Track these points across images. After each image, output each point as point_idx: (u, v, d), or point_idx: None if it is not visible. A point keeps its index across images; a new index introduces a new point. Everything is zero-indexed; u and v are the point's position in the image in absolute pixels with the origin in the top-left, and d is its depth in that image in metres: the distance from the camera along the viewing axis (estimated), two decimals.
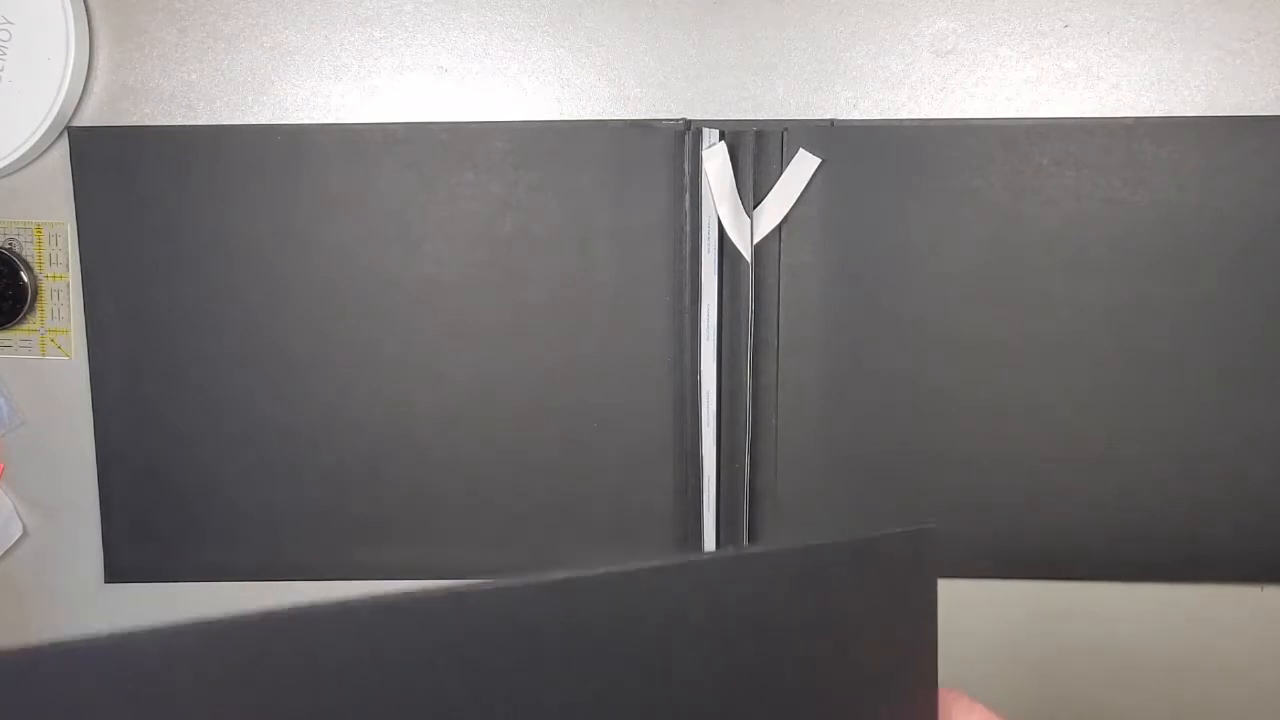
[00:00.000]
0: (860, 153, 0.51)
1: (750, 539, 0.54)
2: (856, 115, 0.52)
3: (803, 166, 0.51)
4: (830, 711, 0.32)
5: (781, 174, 0.52)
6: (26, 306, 0.55)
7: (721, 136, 0.51)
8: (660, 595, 0.28)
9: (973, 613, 0.55)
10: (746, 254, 0.52)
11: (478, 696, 0.25)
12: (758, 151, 0.52)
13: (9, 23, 0.53)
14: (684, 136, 0.52)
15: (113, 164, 0.54)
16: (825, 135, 0.51)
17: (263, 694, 0.23)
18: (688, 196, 0.52)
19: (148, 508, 0.56)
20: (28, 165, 0.55)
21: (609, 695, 0.27)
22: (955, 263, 0.52)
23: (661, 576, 0.28)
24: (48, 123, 0.53)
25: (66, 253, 0.55)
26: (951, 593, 0.54)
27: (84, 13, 0.53)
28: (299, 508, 0.55)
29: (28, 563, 0.58)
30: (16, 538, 0.57)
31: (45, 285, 0.56)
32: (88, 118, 0.55)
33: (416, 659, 0.24)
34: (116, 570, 0.57)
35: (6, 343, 0.56)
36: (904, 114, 0.52)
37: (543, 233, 0.53)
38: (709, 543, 0.55)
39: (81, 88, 0.54)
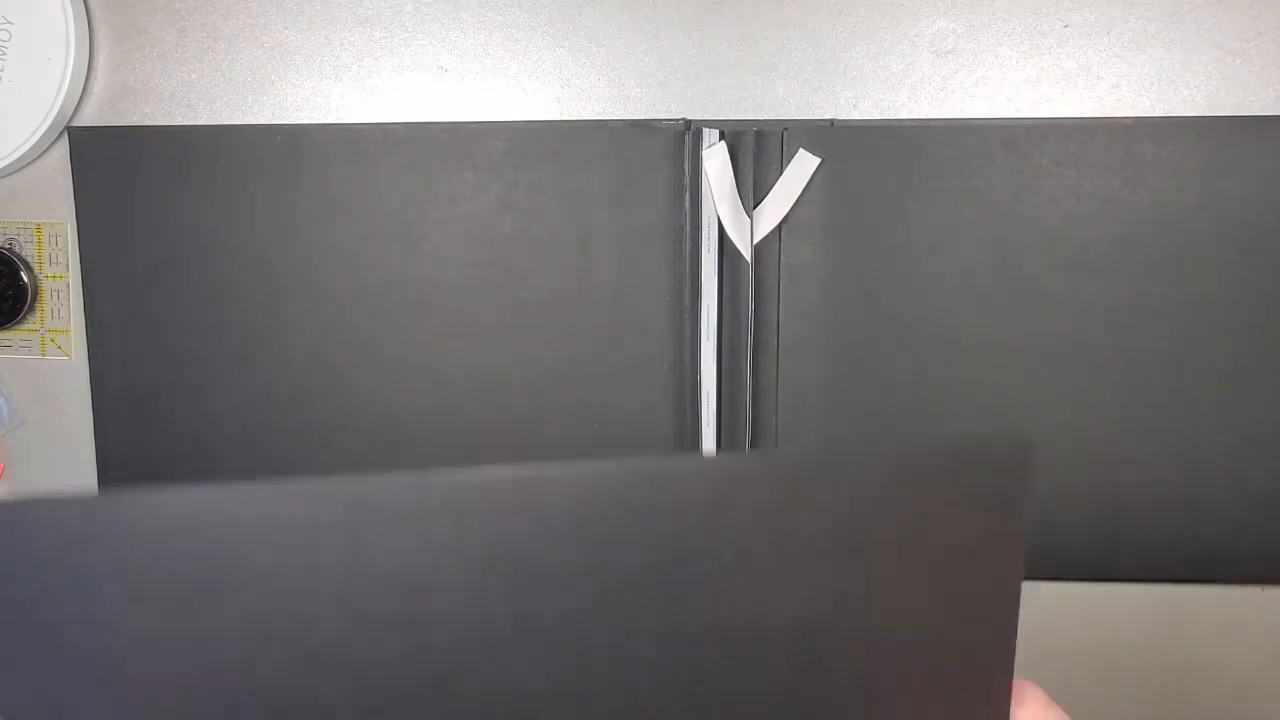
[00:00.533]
0: (860, 153, 0.51)
1: None
2: (856, 115, 0.52)
3: (803, 166, 0.51)
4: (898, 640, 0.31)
5: (781, 174, 0.52)
6: (26, 306, 0.55)
7: (721, 136, 0.51)
8: (719, 487, 0.28)
9: None
10: (746, 254, 0.52)
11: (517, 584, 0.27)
12: (758, 151, 0.52)
13: (9, 23, 0.53)
14: (684, 136, 0.52)
15: (113, 164, 0.54)
16: (825, 135, 0.51)
17: (308, 555, 0.26)
18: (688, 196, 0.52)
19: None
20: (28, 165, 0.55)
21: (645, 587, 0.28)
22: (955, 263, 0.52)
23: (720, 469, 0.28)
24: (48, 123, 0.53)
25: (66, 253, 0.55)
26: None
27: (84, 13, 0.53)
28: None
29: None
30: None
31: (45, 285, 0.56)
32: (88, 118, 0.55)
33: (452, 536, 0.26)
34: None
35: (6, 343, 0.56)
36: (904, 114, 0.52)
37: (543, 233, 0.53)
38: None
39: (81, 88, 0.54)
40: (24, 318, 0.56)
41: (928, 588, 0.32)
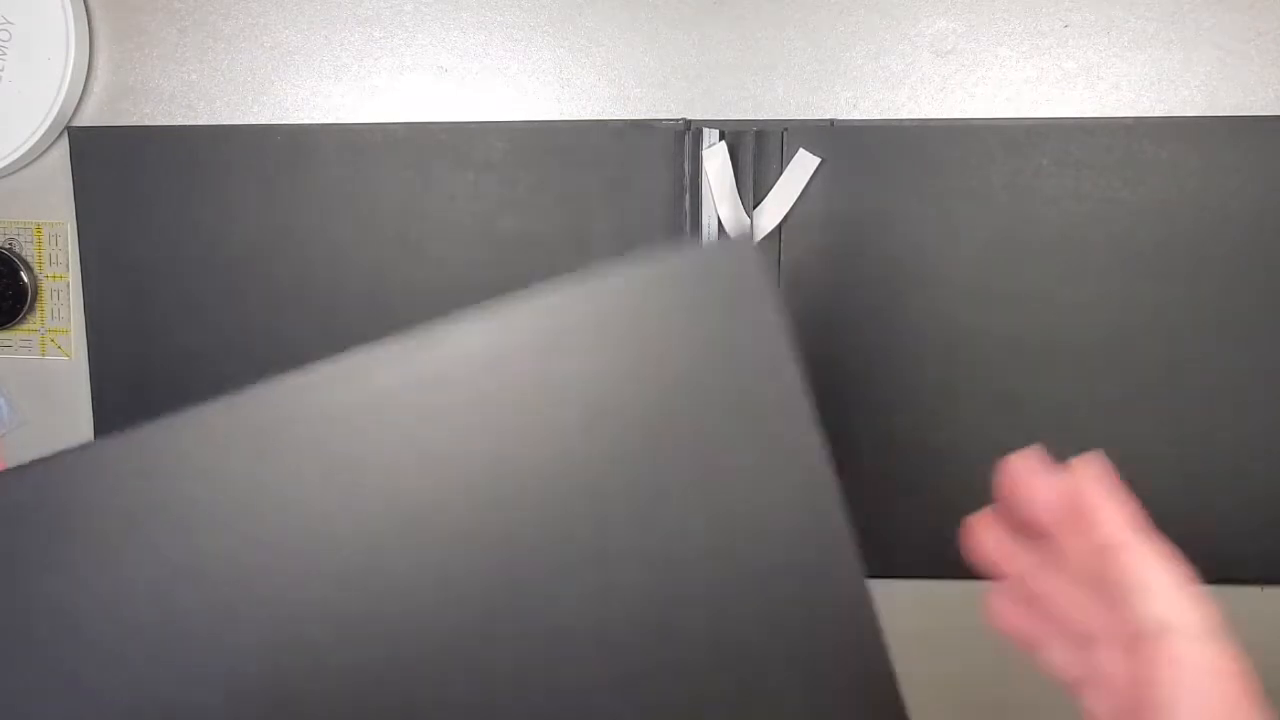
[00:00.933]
0: (860, 153, 0.51)
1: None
2: (856, 115, 0.52)
3: (803, 166, 0.51)
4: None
5: (781, 174, 0.52)
6: (26, 306, 0.55)
7: (721, 136, 0.51)
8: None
9: (972, 613, 0.55)
10: None
11: None
12: (758, 151, 0.52)
13: (9, 23, 0.53)
14: (684, 136, 0.52)
15: (113, 164, 0.54)
16: (825, 135, 0.51)
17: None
18: (688, 196, 0.52)
19: None
20: (28, 165, 0.55)
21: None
22: (955, 262, 0.52)
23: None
24: (48, 123, 0.53)
25: (66, 253, 0.55)
26: (951, 593, 0.54)
27: (84, 13, 0.53)
28: None
29: None
30: None
31: (45, 285, 0.56)
32: (88, 118, 0.55)
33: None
34: None
35: (6, 343, 0.56)
36: (904, 114, 0.52)
37: (543, 233, 0.53)
38: None
39: (81, 88, 0.54)
40: (24, 318, 0.56)
41: (704, 445, 0.32)
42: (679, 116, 0.52)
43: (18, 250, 0.55)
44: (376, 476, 0.32)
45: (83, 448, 0.31)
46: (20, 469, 0.30)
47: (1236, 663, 0.30)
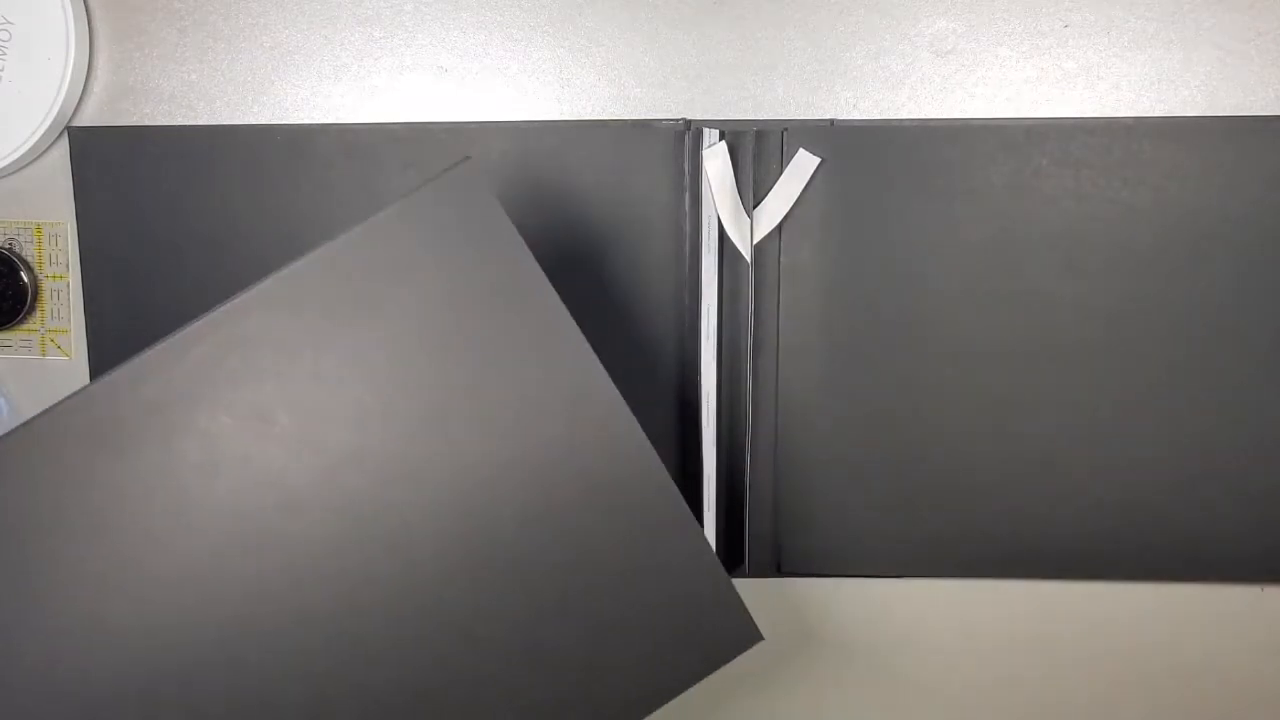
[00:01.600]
0: (860, 153, 0.51)
1: (750, 538, 0.54)
2: (856, 115, 0.52)
3: (803, 166, 0.51)
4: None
5: (781, 174, 0.52)
6: (26, 306, 0.55)
7: (721, 136, 0.51)
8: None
9: (973, 612, 0.55)
10: (746, 254, 0.52)
11: None
12: (758, 151, 0.52)
13: (9, 23, 0.53)
14: (684, 136, 0.52)
15: (113, 164, 0.54)
16: (825, 135, 0.51)
17: None
18: (688, 196, 0.52)
19: None
20: (28, 165, 0.55)
21: None
22: (955, 263, 0.52)
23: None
24: (48, 123, 0.53)
25: (66, 253, 0.55)
26: (952, 592, 0.54)
27: (84, 13, 0.53)
28: None
29: None
30: None
31: (45, 285, 0.56)
32: (88, 118, 0.55)
33: None
34: None
35: (6, 343, 0.56)
36: (904, 114, 0.52)
37: (543, 232, 0.53)
38: (710, 540, 0.55)
39: (81, 88, 0.54)
40: (24, 318, 0.56)
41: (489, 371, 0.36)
42: (679, 116, 0.52)
43: (18, 250, 0.55)
44: (208, 446, 0.35)
45: None
46: None
47: None
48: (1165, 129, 0.51)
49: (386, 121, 0.53)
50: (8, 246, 0.55)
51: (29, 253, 0.56)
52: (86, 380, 0.55)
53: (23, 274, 0.55)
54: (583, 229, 0.53)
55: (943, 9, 0.52)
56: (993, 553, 0.54)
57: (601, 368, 0.36)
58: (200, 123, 0.54)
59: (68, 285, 0.56)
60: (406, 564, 0.34)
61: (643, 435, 0.37)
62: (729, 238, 0.52)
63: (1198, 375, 0.52)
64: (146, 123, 0.54)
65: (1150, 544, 0.53)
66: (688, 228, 0.52)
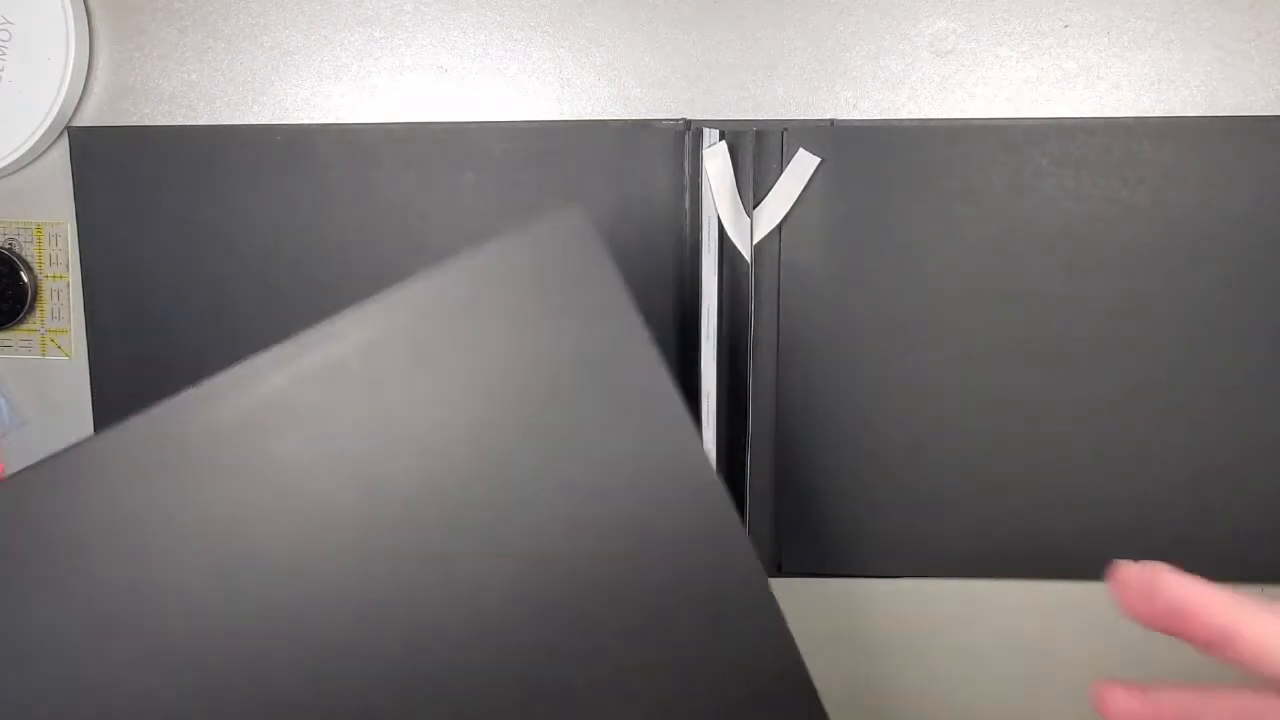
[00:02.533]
0: (860, 153, 0.51)
1: (751, 538, 0.54)
2: (856, 115, 0.52)
3: (803, 166, 0.51)
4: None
5: (781, 174, 0.52)
6: (26, 306, 0.55)
7: (721, 136, 0.51)
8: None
9: (973, 612, 0.55)
10: (746, 254, 0.52)
11: None
12: (758, 151, 0.52)
13: (9, 23, 0.53)
14: (684, 136, 0.52)
15: (113, 164, 0.54)
16: (825, 135, 0.51)
17: None
18: (688, 196, 0.52)
19: None
20: (28, 165, 0.55)
21: None
22: (955, 263, 0.52)
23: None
24: (48, 123, 0.53)
25: (66, 253, 0.55)
26: (952, 592, 0.54)
27: (84, 13, 0.53)
28: None
29: None
30: None
31: (45, 285, 0.56)
32: (88, 118, 0.55)
33: None
34: None
35: (6, 343, 0.56)
36: (904, 114, 0.52)
37: None
38: None
39: (81, 88, 0.54)
40: (24, 318, 0.56)
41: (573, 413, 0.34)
42: (679, 116, 0.52)
43: (18, 250, 0.55)
44: (279, 476, 0.32)
45: None
46: None
47: None
48: (1165, 129, 0.51)
49: (386, 121, 0.53)
50: (8, 246, 0.55)
51: (29, 253, 0.56)
52: (86, 380, 0.55)
53: (23, 274, 0.55)
54: None
55: (943, 9, 0.52)
56: (992, 552, 0.54)
57: (699, 439, 0.34)
58: (200, 123, 0.54)
59: (68, 285, 0.56)
60: (473, 614, 0.32)
61: (737, 520, 0.35)
62: (729, 238, 0.52)
63: (1198, 375, 0.52)
64: (146, 123, 0.54)
65: (1150, 544, 0.53)
66: (688, 228, 0.52)
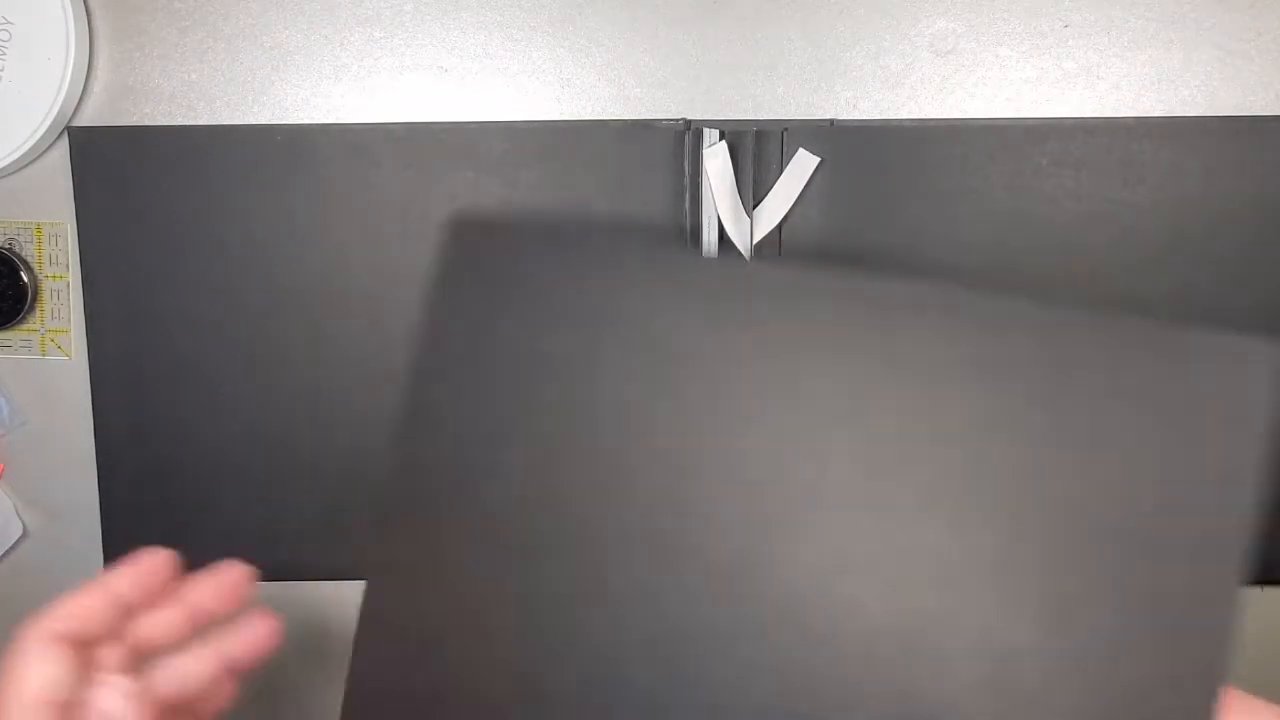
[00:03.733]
0: (860, 153, 0.51)
1: None
2: (856, 115, 0.52)
3: (803, 166, 0.51)
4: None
5: (781, 174, 0.52)
6: (26, 306, 0.55)
7: (721, 136, 0.51)
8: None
9: None
10: (746, 254, 0.52)
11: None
12: (758, 151, 0.52)
13: (9, 23, 0.53)
14: (684, 136, 0.52)
15: (113, 164, 0.54)
16: (825, 135, 0.51)
17: None
18: (688, 196, 0.52)
19: (148, 508, 0.56)
20: (28, 165, 0.55)
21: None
22: (955, 263, 0.52)
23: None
24: (48, 123, 0.53)
25: (66, 253, 0.55)
26: None
27: (84, 13, 0.53)
28: (300, 508, 0.55)
29: (28, 563, 0.58)
30: (16, 538, 0.57)
31: (45, 285, 0.56)
32: (88, 118, 0.55)
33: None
34: None
35: (6, 343, 0.56)
36: (904, 114, 0.52)
37: None
38: None
39: (81, 88, 0.54)
40: (24, 318, 0.56)
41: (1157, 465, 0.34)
42: (679, 116, 0.52)
43: (18, 250, 0.55)
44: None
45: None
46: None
47: None
48: (1165, 129, 0.51)
49: (386, 121, 0.53)
50: (8, 246, 0.55)
51: (29, 253, 0.56)
52: (86, 380, 0.55)
53: (23, 274, 0.55)
54: (583, 229, 0.53)
55: (943, 9, 0.52)
56: None
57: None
58: (200, 123, 0.54)
59: (68, 285, 0.56)
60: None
61: None
62: (729, 238, 0.52)
63: None
64: (146, 123, 0.54)
65: None
66: (688, 228, 0.52)
